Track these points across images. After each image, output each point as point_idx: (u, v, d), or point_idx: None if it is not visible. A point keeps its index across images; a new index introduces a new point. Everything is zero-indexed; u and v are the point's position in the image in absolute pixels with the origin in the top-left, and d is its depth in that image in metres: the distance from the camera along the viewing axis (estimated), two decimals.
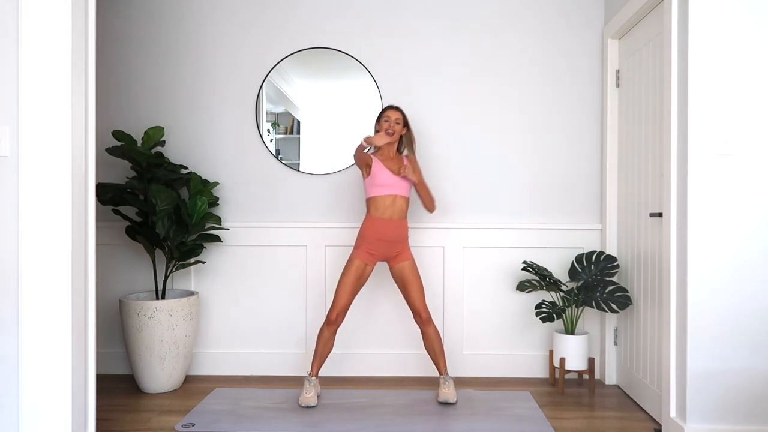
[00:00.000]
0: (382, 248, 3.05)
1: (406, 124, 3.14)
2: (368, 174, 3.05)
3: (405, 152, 3.21)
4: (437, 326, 3.51)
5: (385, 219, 3.03)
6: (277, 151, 3.63)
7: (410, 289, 3.07)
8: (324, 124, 3.60)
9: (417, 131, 3.56)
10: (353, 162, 3.47)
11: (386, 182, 3.02)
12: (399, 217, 3.06)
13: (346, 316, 3.51)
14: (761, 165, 2.50)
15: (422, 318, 3.06)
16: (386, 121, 3.09)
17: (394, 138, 3.09)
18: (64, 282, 2.21)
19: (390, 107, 3.15)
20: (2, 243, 2.21)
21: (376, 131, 3.14)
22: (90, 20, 2.35)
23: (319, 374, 3.41)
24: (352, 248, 3.23)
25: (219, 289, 3.62)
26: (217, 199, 3.51)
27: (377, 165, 3.05)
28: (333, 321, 3.03)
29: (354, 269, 3.03)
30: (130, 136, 3.24)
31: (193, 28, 3.61)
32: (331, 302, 3.43)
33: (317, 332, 3.47)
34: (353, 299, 3.08)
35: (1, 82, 2.20)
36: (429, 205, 3.19)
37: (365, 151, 3.04)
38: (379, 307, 3.58)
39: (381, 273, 3.45)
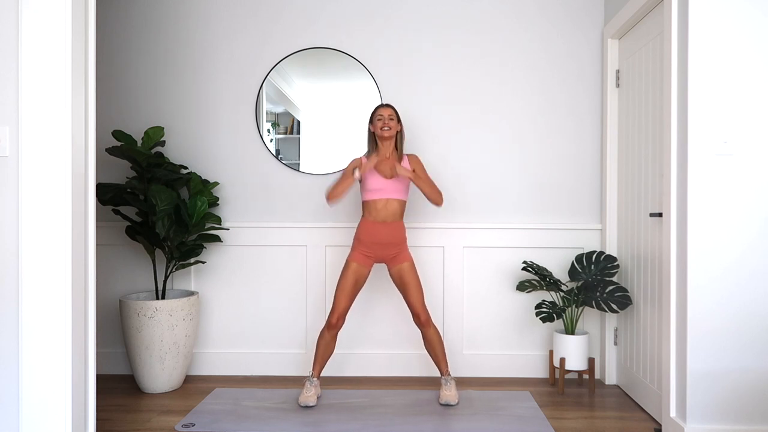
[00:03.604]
0: (377, 250, 3.04)
1: (399, 120, 3.12)
2: (361, 180, 3.06)
3: (399, 152, 3.14)
4: (437, 326, 3.52)
5: (378, 222, 3.03)
6: (277, 151, 3.63)
7: (409, 291, 3.05)
8: (324, 124, 3.60)
9: (417, 131, 3.57)
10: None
11: (377, 187, 3.02)
12: (393, 219, 3.04)
13: (348, 317, 3.52)
14: (761, 165, 2.50)
15: (421, 320, 3.05)
16: (379, 119, 3.06)
17: (390, 134, 3.06)
18: (64, 282, 2.21)
19: (381, 105, 3.12)
20: (2, 243, 2.21)
21: (370, 132, 3.13)
22: (90, 20, 2.35)
23: (321, 375, 3.41)
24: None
25: (219, 289, 3.62)
26: (217, 199, 3.51)
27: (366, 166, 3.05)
28: (333, 325, 3.02)
29: (351, 272, 3.02)
30: (130, 136, 3.24)
31: (193, 28, 3.61)
32: (331, 303, 3.44)
33: (317, 332, 3.49)
34: (353, 302, 3.07)
35: (1, 82, 2.20)
36: (433, 198, 3.08)
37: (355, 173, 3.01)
38: (380, 307, 3.58)
39: (381, 273, 3.45)
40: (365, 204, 3.08)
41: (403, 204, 3.09)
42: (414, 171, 3.07)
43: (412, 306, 3.06)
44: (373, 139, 3.13)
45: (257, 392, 3.25)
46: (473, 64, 3.57)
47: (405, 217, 3.52)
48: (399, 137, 3.12)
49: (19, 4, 2.18)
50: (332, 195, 3.03)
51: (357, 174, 2.98)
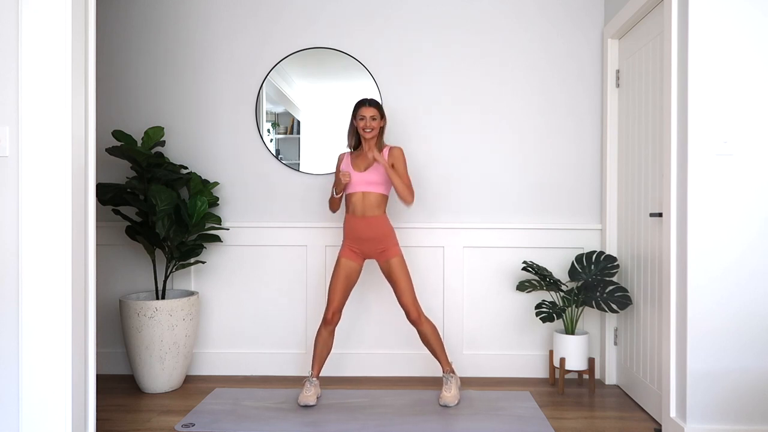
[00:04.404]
0: (361, 246, 3.05)
1: (383, 115, 3.10)
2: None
3: (379, 145, 3.13)
4: (437, 326, 3.52)
5: (357, 217, 3.03)
6: (277, 151, 3.63)
7: (397, 287, 3.04)
8: (324, 124, 3.60)
9: (417, 131, 3.57)
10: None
11: (353, 180, 3.02)
12: (372, 213, 3.03)
13: (346, 316, 3.52)
14: (761, 165, 2.50)
15: (412, 317, 3.04)
16: (362, 119, 3.04)
17: (371, 135, 3.05)
18: (64, 282, 2.21)
19: (364, 104, 3.07)
20: (2, 243, 2.21)
21: (352, 125, 3.11)
22: (90, 20, 2.35)
23: (320, 374, 3.42)
24: None
25: (219, 289, 3.62)
26: (217, 199, 3.51)
27: (345, 164, 3.09)
28: (329, 321, 3.04)
29: (341, 267, 3.04)
30: (130, 136, 3.24)
31: (193, 28, 3.61)
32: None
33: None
34: (347, 297, 3.08)
35: (1, 82, 2.20)
36: (402, 193, 3.02)
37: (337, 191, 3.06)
38: (379, 306, 3.58)
39: (380, 272, 3.45)
40: (345, 199, 3.10)
41: (381, 198, 3.06)
42: (392, 166, 3.04)
43: (401, 302, 3.05)
44: (355, 131, 3.12)
45: (257, 392, 3.25)
46: (473, 64, 3.57)
47: (404, 217, 3.53)
48: (380, 131, 3.11)
49: (19, 4, 2.18)
50: (331, 209, 3.18)
51: (336, 195, 3.06)
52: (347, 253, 3.06)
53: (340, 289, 3.04)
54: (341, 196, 3.08)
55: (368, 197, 3.03)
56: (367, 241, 3.04)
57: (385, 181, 3.05)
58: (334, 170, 3.15)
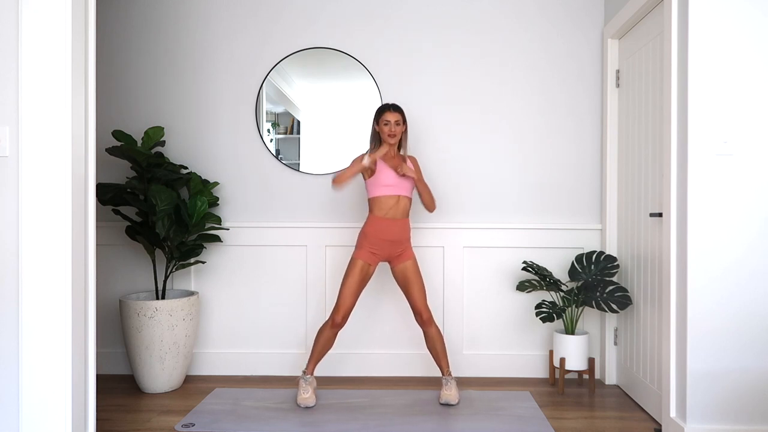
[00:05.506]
0: (385, 248, 3.03)
1: (405, 121, 3.09)
2: (370, 175, 3.04)
3: (402, 152, 3.15)
4: (437, 325, 3.52)
5: (388, 219, 3.02)
6: (277, 151, 3.63)
7: (412, 289, 3.05)
8: (324, 124, 3.60)
9: (417, 131, 3.57)
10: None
11: (390, 182, 3.00)
12: (402, 216, 3.04)
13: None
14: (761, 165, 2.50)
15: (423, 318, 3.05)
16: (386, 124, 3.01)
17: (395, 141, 3.05)
18: (64, 282, 2.21)
19: (388, 109, 3.03)
20: (2, 243, 2.21)
21: (375, 131, 3.10)
22: (90, 20, 2.35)
23: (320, 374, 3.42)
24: (352, 248, 3.24)
25: (219, 289, 3.62)
26: (217, 199, 3.51)
27: (381, 165, 3.02)
28: (338, 323, 3.00)
29: (358, 270, 3.01)
30: (130, 136, 3.24)
31: (193, 28, 3.61)
32: (333, 303, 3.45)
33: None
34: (357, 300, 3.06)
35: (1, 82, 2.20)
36: (429, 204, 3.15)
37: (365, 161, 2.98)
38: (381, 307, 3.58)
39: (382, 273, 3.45)
40: (375, 200, 3.03)
41: (410, 202, 3.10)
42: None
43: (414, 304, 3.05)
44: (377, 137, 3.09)
45: (257, 392, 3.25)
46: (473, 64, 3.57)
47: None
48: (403, 137, 3.11)
49: (19, 4, 2.18)
50: (339, 179, 2.95)
51: (367, 160, 2.94)
52: (366, 255, 3.02)
53: (353, 292, 3.01)
54: (362, 168, 2.96)
55: (402, 201, 3.04)
56: (393, 244, 3.03)
57: (414, 187, 3.11)
58: (353, 161, 3.04)
